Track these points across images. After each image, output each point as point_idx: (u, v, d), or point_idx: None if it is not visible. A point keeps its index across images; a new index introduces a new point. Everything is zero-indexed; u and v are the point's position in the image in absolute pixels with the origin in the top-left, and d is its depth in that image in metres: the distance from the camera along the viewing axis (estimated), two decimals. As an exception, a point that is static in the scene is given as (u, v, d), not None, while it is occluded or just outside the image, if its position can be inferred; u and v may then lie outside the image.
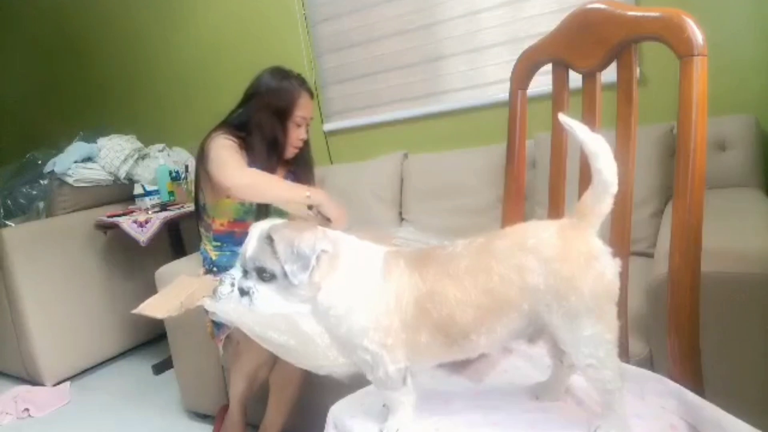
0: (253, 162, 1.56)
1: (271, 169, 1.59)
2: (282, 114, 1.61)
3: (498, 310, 0.69)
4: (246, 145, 1.59)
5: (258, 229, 0.71)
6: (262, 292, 0.70)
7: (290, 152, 1.68)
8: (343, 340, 0.74)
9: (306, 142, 1.71)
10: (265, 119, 1.60)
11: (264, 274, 0.69)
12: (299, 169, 1.74)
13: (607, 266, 0.68)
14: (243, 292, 0.71)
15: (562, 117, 0.69)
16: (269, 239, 0.69)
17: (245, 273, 0.71)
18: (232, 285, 1.40)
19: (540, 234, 0.70)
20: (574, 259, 0.67)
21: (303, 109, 1.63)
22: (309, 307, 0.73)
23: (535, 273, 0.67)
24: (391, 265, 0.72)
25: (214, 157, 1.52)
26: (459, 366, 0.92)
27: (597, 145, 0.67)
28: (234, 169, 1.49)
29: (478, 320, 0.69)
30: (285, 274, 0.68)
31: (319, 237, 0.70)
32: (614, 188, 0.68)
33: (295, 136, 1.64)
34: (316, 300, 0.71)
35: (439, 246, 0.75)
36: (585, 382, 0.83)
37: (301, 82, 1.65)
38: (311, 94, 1.67)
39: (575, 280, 0.66)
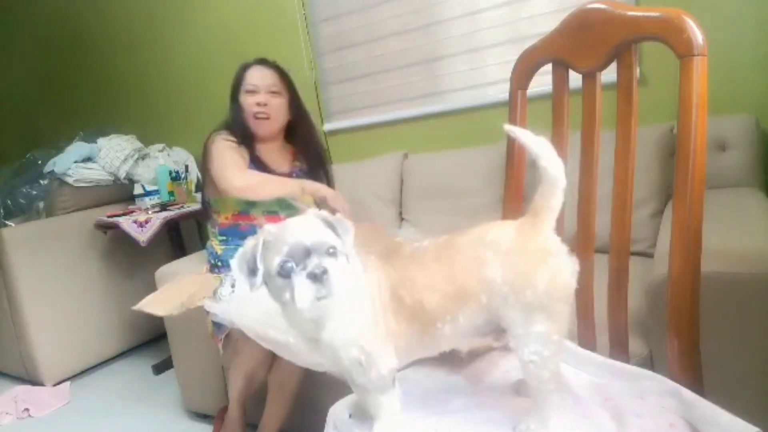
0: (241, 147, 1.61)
1: (251, 150, 1.63)
2: (235, 91, 1.67)
3: (460, 298, 0.71)
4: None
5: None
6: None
7: (255, 124, 1.65)
8: (338, 346, 0.73)
9: (314, 137, 1.76)
10: (231, 106, 1.68)
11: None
12: (310, 166, 1.75)
13: (564, 264, 0.70)
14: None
15: (507, 127, 0.74)
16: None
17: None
18: (233, 286, 1.41)
19: (499, 230, 0.73)
20: (531, 255, 0.70)
21: (252, 77, 1.66)
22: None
23: (493, 266, 0.69)
24: (364, 261, 0.74)
25: (213, 159, 1.58)
26: (458, 366, 0.92)
27: (540, 147, 0.71)
28: (231, 173, 1.53)
29: (444, 307, 0.71)
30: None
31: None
32: (562, 182, 0.71)
33: (249, 102, 1.64)
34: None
35: (405, 243, 0.78)
36: (582, 380, 0.84)
37: (260, 60, 1.70)
38: (268, 65, 1.69)
39: (531, 275, 0.68)
